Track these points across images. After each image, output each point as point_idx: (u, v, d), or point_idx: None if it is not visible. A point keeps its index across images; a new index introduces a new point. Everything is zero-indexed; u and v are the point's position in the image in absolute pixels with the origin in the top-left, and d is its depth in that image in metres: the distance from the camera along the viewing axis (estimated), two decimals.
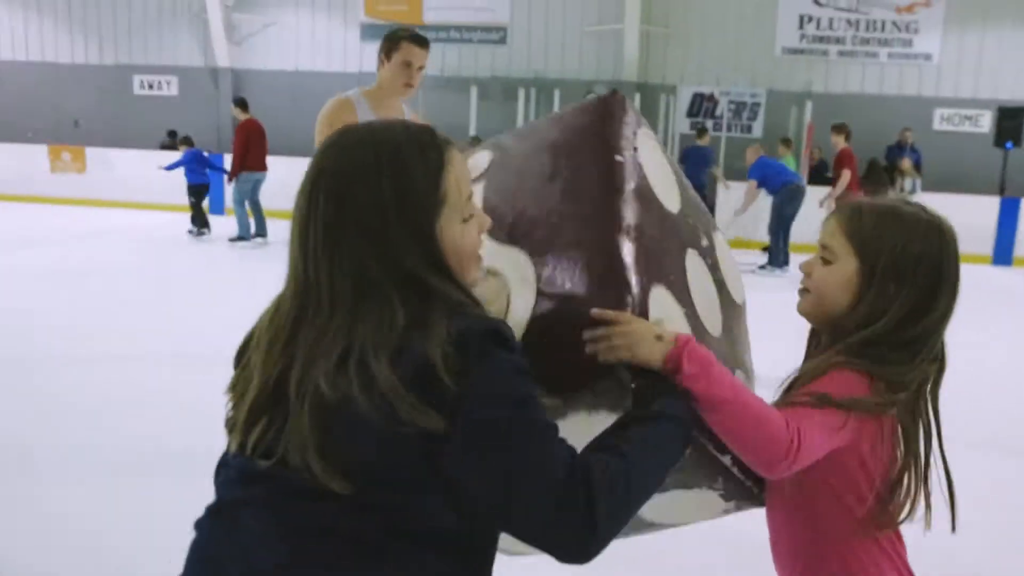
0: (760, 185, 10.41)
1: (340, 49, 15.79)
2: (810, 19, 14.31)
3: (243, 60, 15.75)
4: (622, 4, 14.13)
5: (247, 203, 10.93)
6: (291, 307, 1.15)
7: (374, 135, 1.19)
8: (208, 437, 1.69)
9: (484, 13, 15.19)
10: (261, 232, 11.00)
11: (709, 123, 14.25)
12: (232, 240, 10.98)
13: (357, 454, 1.08)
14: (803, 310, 1.55)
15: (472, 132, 14.06)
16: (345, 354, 1.08)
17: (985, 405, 5.21)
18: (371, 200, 1.12)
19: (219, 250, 10.69)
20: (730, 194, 12.14)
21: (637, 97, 14.09)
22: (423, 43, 3.72)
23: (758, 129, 14.40)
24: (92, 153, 14.77)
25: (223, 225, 11.59)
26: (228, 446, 1.19)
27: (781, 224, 10.17)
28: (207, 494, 1.22)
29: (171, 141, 14.66)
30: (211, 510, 1.20)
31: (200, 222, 11.39)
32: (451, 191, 1.17)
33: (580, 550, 1.07)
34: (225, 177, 11.35)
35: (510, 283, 1.42)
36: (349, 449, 1.08)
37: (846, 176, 9.72)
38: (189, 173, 11.44)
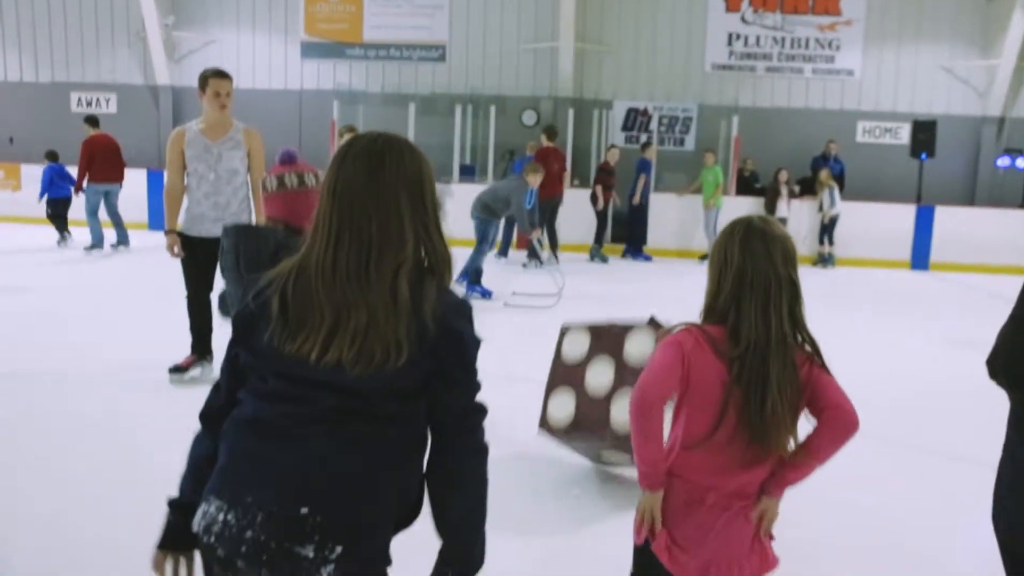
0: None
1: (281, 67, 15.88)
2: (738, 36, 14.79)
3: (183, 78, 15.73)
4: (557, 23, 14.46)
5: (108, 215, 11.32)
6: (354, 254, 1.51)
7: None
8: None
9: (423, 32, 15.44)
10: (123, 240, 11.36)
11: (643, 136, 14.63)
12: (87, 249, 11.16)
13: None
14: None
15: None
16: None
17: (894, 394, 5.55)
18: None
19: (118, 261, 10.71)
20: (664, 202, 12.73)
21: (572, 112, 14.42)
22: (224, 75, 4.77)
23: (690, 142, 14.79)
24: (28, 171, 14.65)
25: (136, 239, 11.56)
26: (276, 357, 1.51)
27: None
28: None
29: None
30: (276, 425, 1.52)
31: (62, 228, 11.74)
32: None
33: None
34: (72, 189, 11.59)
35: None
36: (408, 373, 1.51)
37: None
38: (51, 187, 11.76)
